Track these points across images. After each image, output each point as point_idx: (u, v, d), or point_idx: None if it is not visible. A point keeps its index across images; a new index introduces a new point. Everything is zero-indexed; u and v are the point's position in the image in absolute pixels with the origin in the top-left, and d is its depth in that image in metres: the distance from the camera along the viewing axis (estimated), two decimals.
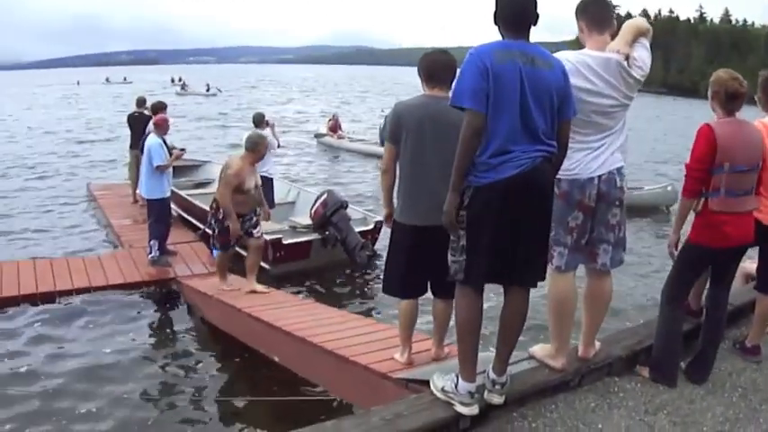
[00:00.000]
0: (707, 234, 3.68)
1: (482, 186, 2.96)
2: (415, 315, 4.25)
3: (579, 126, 3.34)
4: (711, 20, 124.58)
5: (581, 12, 3.48)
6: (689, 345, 4.03)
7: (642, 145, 24.21)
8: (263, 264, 8.26)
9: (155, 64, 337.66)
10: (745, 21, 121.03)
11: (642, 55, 3.42)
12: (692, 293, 4.29)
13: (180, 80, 70.83)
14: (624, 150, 3.55)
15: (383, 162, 4.08)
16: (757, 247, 4.13)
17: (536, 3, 3.08)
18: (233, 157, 7.43)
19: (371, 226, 9.67)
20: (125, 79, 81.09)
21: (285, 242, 8.95)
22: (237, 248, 7.69)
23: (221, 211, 6.97)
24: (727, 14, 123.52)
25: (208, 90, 55.67)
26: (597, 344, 3.92)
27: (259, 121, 11.23)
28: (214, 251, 9.44)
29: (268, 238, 8.36)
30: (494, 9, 3.09)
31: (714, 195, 3.62)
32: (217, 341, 6.98)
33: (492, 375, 3.28)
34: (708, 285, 4.05)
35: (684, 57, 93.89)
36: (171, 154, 8.88)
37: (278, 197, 11.06)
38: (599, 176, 3.41)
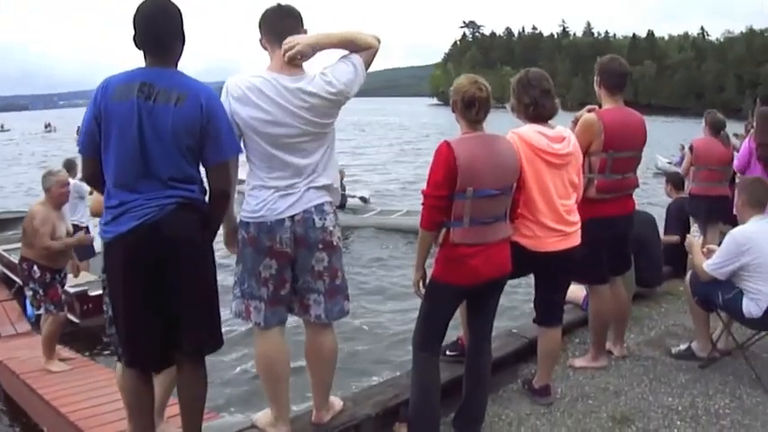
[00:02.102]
0: (451, 270, 3.11)
1: (108, 242, 2.51)
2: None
3: (262, 161, 2.84)
4: (574, 34, 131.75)
5: (261, 23, 2.93)
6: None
7: None
8: (72, 317, 7.78)
9: (24, 110, 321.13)
10: (606, 33, 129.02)
11: (337, 70, 2.88)
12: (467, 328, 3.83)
13: (50, 125, 70.30)
14: (332, 188, 3.01)
15: None
16: None
17: (180, 21, 2.57)
18: (34, 205, 6.42)
19: None
20: (2, 127, 77.81)
21: (92, 294, 8.22)
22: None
23: (35, 268, 6.00)
24: (589, 27, 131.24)
25: None
26: (338, 403, 3.41)
27: (69, 167, 10.15)
28: (29, 312, 8.52)
29: (72, 290, 7.88)
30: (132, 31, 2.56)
31: (457, 225, 3.04)
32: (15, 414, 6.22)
33: None
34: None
35: (549, 71, 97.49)
36: None
37: (98, 246, 10.15)
38: (291, 217, 2.86)
